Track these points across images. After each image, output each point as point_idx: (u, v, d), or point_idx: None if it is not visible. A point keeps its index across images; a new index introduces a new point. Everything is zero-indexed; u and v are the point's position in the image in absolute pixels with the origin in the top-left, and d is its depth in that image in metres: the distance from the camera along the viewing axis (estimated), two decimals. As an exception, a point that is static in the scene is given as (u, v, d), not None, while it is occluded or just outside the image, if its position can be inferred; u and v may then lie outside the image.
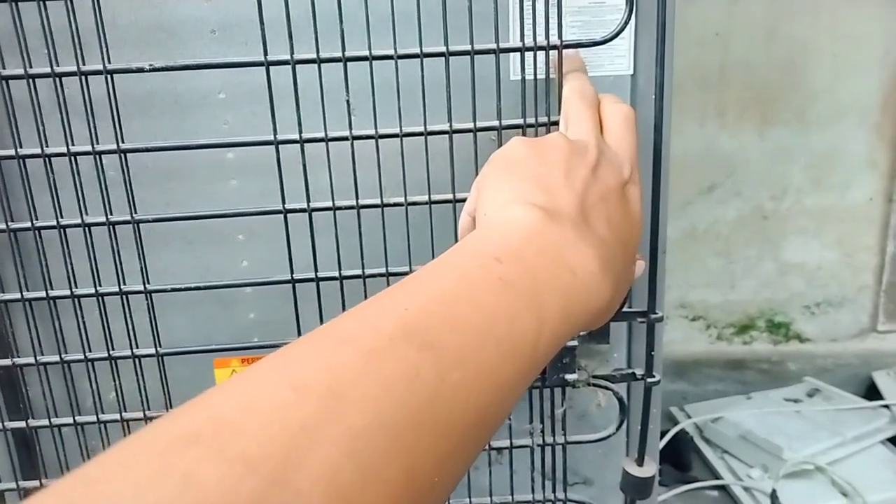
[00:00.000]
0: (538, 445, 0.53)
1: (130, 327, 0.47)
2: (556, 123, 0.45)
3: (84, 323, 0.47)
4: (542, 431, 0.53)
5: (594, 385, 0.51)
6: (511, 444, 0.53)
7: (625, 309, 0.50)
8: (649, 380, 0.50)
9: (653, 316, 0.49)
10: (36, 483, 0.50)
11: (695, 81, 1.60)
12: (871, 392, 1.66)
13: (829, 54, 1.58)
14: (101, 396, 0.49)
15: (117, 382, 0.48)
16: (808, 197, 1.67)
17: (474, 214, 0.35)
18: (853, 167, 1.65)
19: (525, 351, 0.27)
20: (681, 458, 1.52)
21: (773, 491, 1.29)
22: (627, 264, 0.35)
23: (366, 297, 0.47)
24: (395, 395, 0.22)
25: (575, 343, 0.50)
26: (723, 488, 1.41)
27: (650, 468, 0.53)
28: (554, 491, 0.55)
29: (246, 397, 0.21)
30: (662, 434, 1.52)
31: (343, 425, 0.20)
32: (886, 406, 1.54)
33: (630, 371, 0.52)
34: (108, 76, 0.43)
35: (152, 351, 0.48)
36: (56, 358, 0.47)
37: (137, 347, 0.48)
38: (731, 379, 1.79)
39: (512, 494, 0.55)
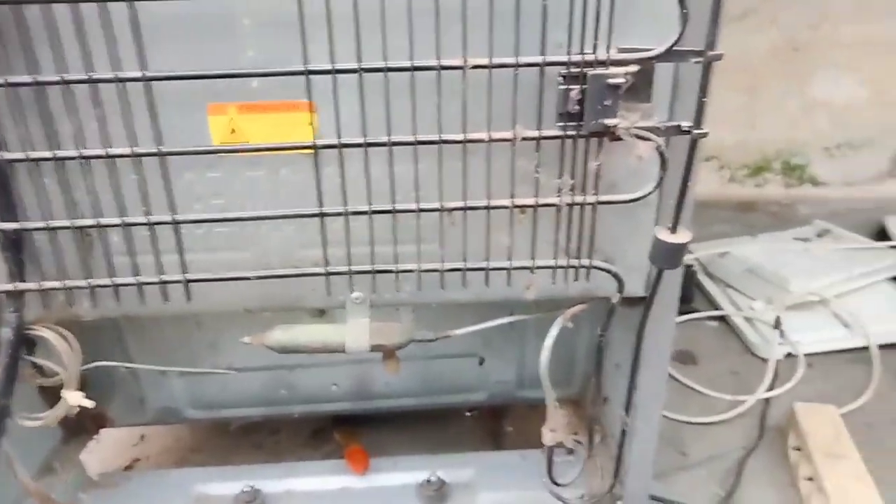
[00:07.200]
0: (567, 204, 0.49)
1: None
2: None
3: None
4: (573, 189, 0.48)
5: (637, 136, 0.46)
6: (536, 202, 0.48)
7: (676, 48, 0.44)
8: (696, 131, 0.45)
9: (710, 53, 0.43)
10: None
11: None
12: (882, 236, 1.63)
13: None
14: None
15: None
16: (847, 26, 1.55)
17: None
18: (901, -6, 1.52)
19: None
20: (682, 291, 1.51)
21: (778, 318, 1.29)
22: None
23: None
24: None
25: (619, 80, 0.44)
26: (723, 319, 1.42)
27: (683, 235, 0.50)
28: (578, 256, 0.51)
29: None
30: (667, 267, 1.50)
31: None
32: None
33: (675, 123, 0.46)
34: None
35: (139, 74, 0.43)
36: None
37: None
38: (738, 221, 1.76)
39: (533, 259, 0.51)
